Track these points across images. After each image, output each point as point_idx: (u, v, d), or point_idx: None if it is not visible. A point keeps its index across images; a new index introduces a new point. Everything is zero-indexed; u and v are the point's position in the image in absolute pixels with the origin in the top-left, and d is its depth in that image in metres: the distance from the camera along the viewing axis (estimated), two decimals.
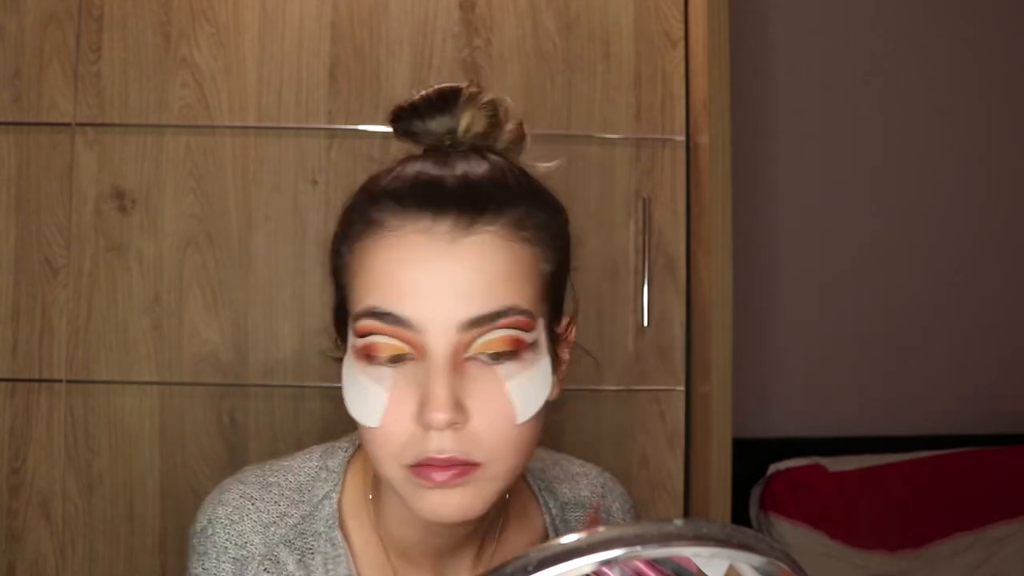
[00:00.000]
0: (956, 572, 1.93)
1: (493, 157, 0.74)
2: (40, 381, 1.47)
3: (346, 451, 0.81)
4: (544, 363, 0.69)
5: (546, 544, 0.41)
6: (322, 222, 1.51)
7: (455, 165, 0.71)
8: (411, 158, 0.74)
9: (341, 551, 0.76)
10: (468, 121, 0.73)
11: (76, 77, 1.49)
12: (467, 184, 0.69)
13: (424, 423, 0.64)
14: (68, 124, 1.49)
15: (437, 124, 0.73)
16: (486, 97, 0.74)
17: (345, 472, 0.80)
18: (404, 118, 0.75)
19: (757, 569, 0.45)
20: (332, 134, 1.52)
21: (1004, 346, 2.29)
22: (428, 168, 0.71)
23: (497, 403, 0.66)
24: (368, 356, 0.67)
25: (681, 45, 1.56)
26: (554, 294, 0.72)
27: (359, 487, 0.80)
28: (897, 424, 2.23)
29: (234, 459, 1.48)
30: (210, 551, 0.77)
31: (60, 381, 1.47)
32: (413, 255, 0.66)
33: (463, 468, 0.65)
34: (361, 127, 1.51)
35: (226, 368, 1.49)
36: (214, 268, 1.49)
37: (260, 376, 1.49)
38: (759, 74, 2.20)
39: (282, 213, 1.51)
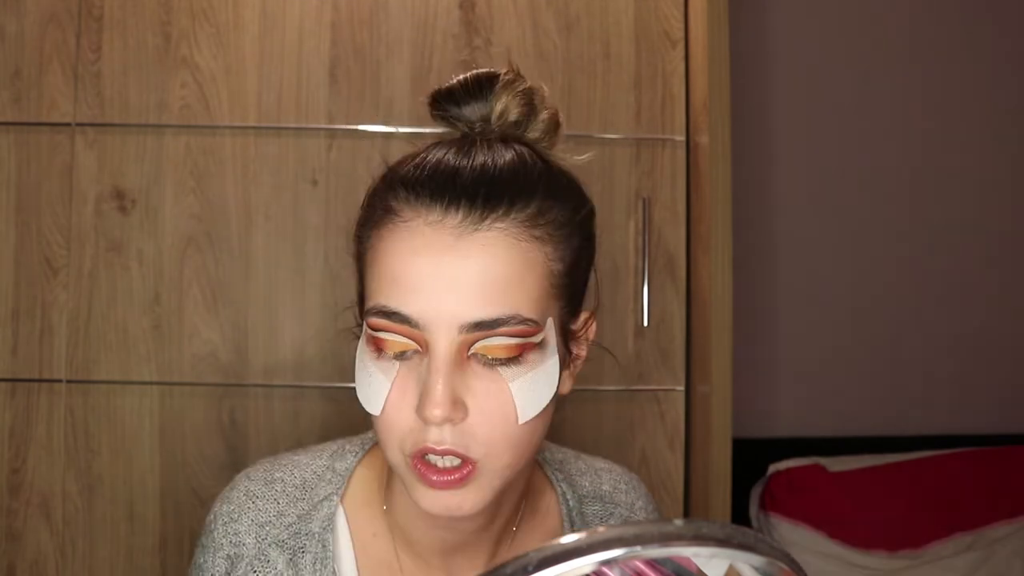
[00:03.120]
0: (956, 572, 1.93)
1: (519, 148, 0.72)
2: (40, 381, 1.47)
3: (356, 455, 0.82)
4: (551, 363, 0.68)
5: (546, 544, 0.42)
6: (322, 222, 1.51)
7: (476, 155, 0.70)
8: (437, 144, 0.72)
9: (330, 554, 0.77)
10: (502, 108, 0.73)
11: (76, 77, 1.49)
12: (483, 176, 0.68)
13: (422, 417, 0.65)
14: (68, 124, 1.49)
15: (471, 110, 0.73)
16: (523, 84, 0.74)
17: (351, 475, 0.80)
18: (441, 103, 0.74)
19: (757, 569, 0.45)
20: (332, 134, 1.52)
21: (1004, 346, 2.29)
22: (449, 157, 0.69)
23: (498, 403, 0.66)
24: (378, 349, 0.68)
25: (681, 45, 1.56)
26: (568, 291, 0.71)
27: (367, 488, 0.80)
28: (897, 424, 2.23)
29: (234, 459, 1.48)
30: (209, 546, 0.79)
31: (60, 381, 1.47)
32: (422, 247, 0.66)
33: (460, 475, 0.66)
34: (361, 127, 1.51)
35: (226, 368, 1.49)
36: (214, 268, 1.49)
37: (260, 376, 1.49)
38: (759, 74, 2.21)
39: (282, 213, 1.51)
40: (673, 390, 1.55)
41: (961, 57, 2.28)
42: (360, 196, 1.57)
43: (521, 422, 0.67)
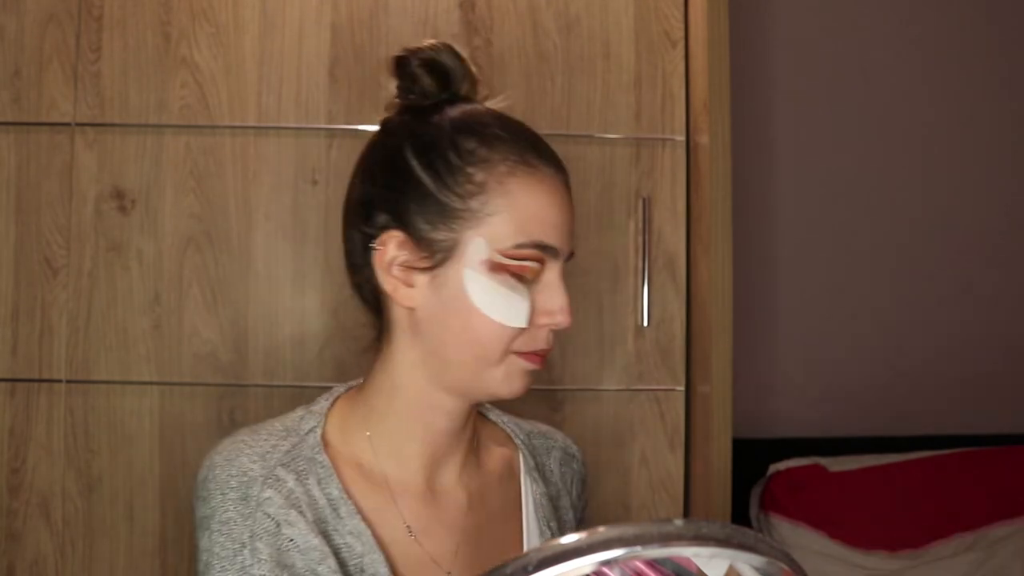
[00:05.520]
0: (956, 572, 1.93)
1: None
2: (40, 381, 1.47)
3: (326, 400, 0.92)
4: None
5: (546, 544, 0.42)
6: (322, 222, 1.51)
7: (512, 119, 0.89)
8: (487, 109, 0.88)
9: (331, 471, 0.85)
10: (469, 81, 0.90)
11: (76, 77, 1.49)
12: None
13: (556, 323, 0.84)
14: (68, 124, 1.49)
15: (444, 76, 0.89)
16: (464, 52, 0.91)
17: (327, 414, 0.90)
18: (434, 74, 0.88)
19: (757, 569, 0.45)
20: (332, 134, 1.52)
21: (1004, 347, 2.29)
22: (508, 120, 0.87)
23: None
24: (518, 276, 0.82)
25: (681, 45, 1.56)
26: None
27: (341, 424, 0.89)
28: (897, 424, 2.23)
29: None
30: (213, 492, 0.82)
31: (60, 381, 1.47)
32: (560, 197, 0.85)
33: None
34: (361, 127, 1.51)
35: (226, 368, 1.49)
36: (214, 268, 1.49)
37: (260, 376, 1.49)
38: (759, 74, 2.21)
39: (282, 213, 1.51)
40: (673, 390, 1.55)
41: (964, 57, 2.28)
42: None
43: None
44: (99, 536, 1.47)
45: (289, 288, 1.50)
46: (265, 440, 0.86)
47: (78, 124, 1.49)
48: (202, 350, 1.49)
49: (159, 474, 1.48)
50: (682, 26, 1.56)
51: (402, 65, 0.89)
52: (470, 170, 0.82)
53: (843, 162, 2.24)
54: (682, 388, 1.55)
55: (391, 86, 0.91)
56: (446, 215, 0.82)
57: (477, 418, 0.96)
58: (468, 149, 0.83)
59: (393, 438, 0.88)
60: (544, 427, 1.05)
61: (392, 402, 0.88)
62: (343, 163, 1.51)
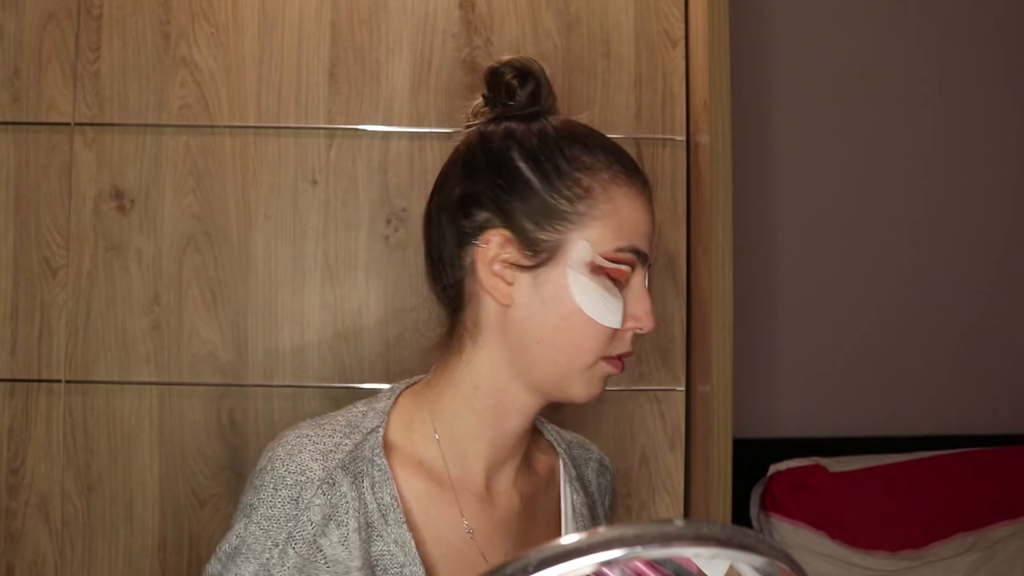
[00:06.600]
0: (957, 573, 1.93)
1: None
2: (39, 381, 1.47)
3: (389, 398, 0.92)
4: None
5: (546, 544, 0.41)
6: (322, 222, 1.50)
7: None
8: (580, 122, 0.92)
9: (387, 476, 0.85)
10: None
11: (75, 77, 1.48)
12: None
13: (640, 327, 0.87)
14: (67, 124, 1.48)
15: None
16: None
17: (391, 410, 0.90)
18: (523, 76, 0.91)
19: (757, 570, 0.45)
20: (332, 134, 1.51)
21: (1003, 346, 2.29)
22: (600, 135, 0.91)
23: None
24: (614, 279, 0.86)
25: (681, 45, 1.56)
26: None
27: (406, 422, 0.90)
28: (897, 424, 2.23)
29: (233, 459, 1.48)
30: (267, 483, 0.83)
31: (59, 381, 1.47)
32: (650, 207, 0.89)
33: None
34: (361, 127, 1.51)
35: (225, 368, 1.49)
36: (213, 268, 1.49)
37: (259, 376, 1.49)
38: (759, 74, 2.21)
39: (282, 213, 1.51)
40: (673, 390, 1.54)
41: (964, 56, 2.28)
42: (360, 195, 1.57)
43: None
44: (98, 536, 1.47)
45: (289, 288, 1.50)
46: (329, 437, 0.86)
47: (77, 124, 1.49)
48: (201, 350, 1.49)
49: (158, 474, 1.47)
50: (682, 26, 1.56)
51: (497, 76, 0.92)
52: (577, 175, 0.86)
53: (843, 162, 2.24)
54: (682, 388, 1.54)
55: (476, 96, 0.95)
56: (552, 216, 0.85)
57: None
58: (574, 155, 0.87)
59: (462, 438, 0.90)
60: (581, 438, 1.07)
61: (470, 402, 0.89)
62: (343, 163, 1.51)
